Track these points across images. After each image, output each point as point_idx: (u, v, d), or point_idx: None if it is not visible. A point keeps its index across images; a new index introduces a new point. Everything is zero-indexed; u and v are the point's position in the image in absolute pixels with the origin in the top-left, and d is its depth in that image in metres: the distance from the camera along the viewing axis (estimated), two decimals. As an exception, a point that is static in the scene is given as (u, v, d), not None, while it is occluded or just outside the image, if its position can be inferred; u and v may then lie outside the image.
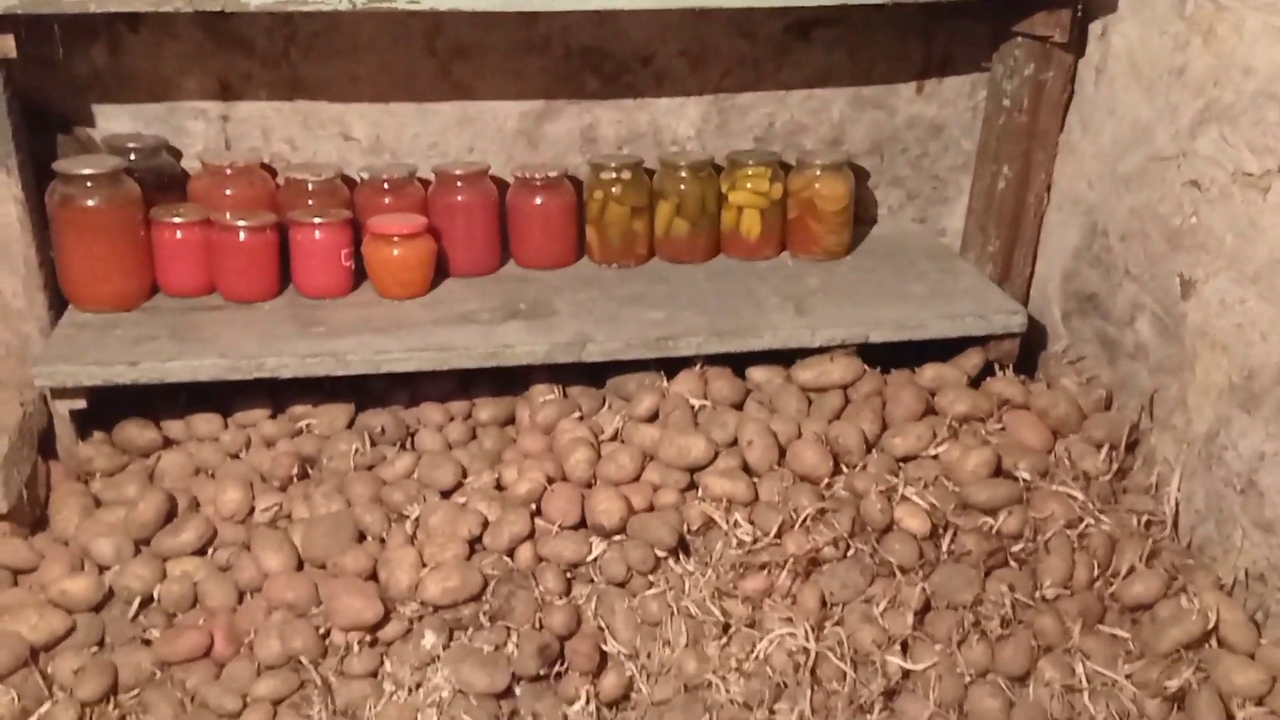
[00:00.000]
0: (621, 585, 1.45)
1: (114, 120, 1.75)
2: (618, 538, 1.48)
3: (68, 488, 1.54)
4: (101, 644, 1.38)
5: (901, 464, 1.58)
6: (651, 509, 1.52)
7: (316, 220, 1.70)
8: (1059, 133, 1.86)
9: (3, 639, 1.32)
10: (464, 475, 1.59)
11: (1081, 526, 1.50)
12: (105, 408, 1.60)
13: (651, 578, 1.45)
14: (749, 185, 1.89)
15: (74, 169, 1.58)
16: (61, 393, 1.55)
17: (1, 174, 1.51)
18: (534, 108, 1.89)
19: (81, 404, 1.56)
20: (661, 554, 1.46)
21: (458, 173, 1.80)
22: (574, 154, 1.94)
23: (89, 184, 1.58)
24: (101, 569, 1.44)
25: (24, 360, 1.60)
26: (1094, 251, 1.79)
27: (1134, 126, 1.68)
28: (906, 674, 1.39)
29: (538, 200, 1.85)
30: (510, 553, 1.47)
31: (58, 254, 1.63)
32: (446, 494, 1.56)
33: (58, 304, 1.67)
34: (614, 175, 1.86)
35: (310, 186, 1.75)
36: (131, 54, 1.72)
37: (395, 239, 1.72)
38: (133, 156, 1.69)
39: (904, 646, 1.40)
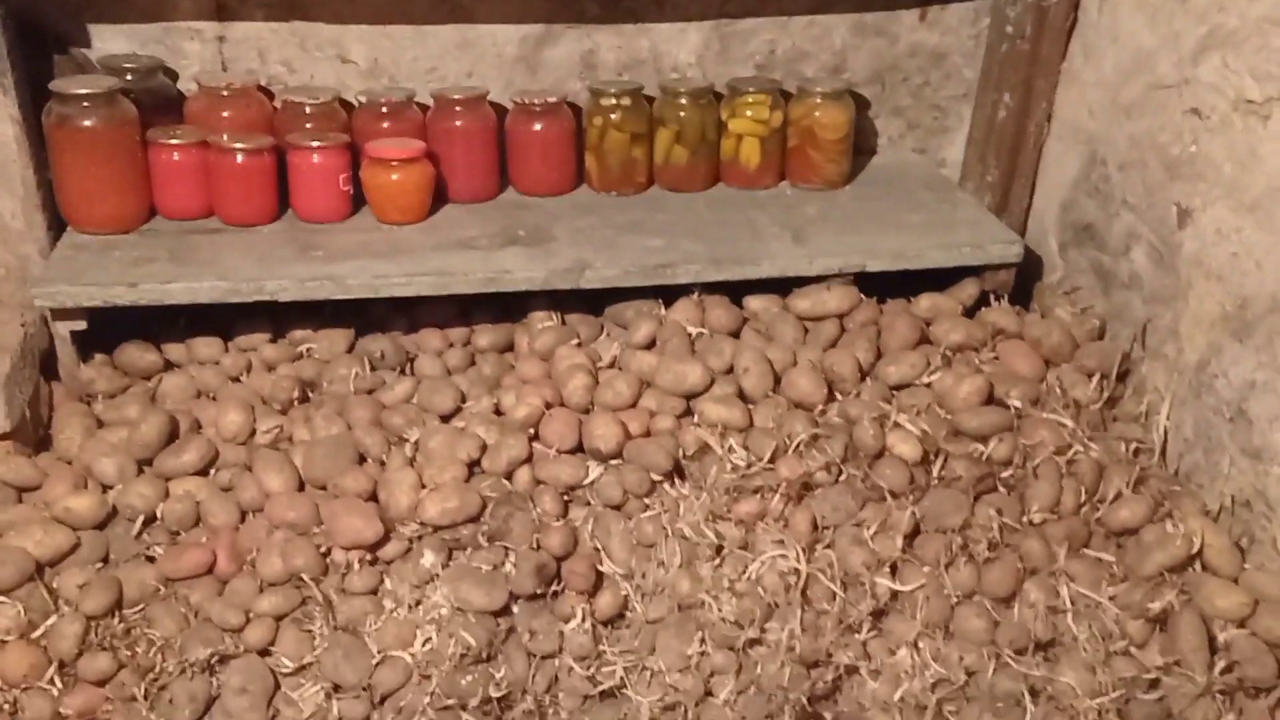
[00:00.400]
0: (617, 508, 1.48)
1: (110, 41, 1.73)
2: (614, 462, 1.50)
3: (70, 408, 1.56)
4: (106, 560, 1.41)
5: (895, 392, 1.60)
6: (648, 434, 1.54)
7: (314, 144, 1.70)
8: (1061, 60, 1.84)
9: (8, 554, 1.34)
10: (463, 400, 1.60)
11: (1070, 453, 1.52)
12: (106, 330, 1.61)
13: (647, 501, 1.47)
14: (749, 113, 1.88)
15: (70, 89, 1.57)
16: (61, 313, 1.56)
17: (-3, 94, 1.50)
18: (534, 32, 1.88)
19: (82, 325, 1.57)
20: (657, 478, 1.48)
21: (456, 97, 1.79)
22: (573, 80, 1.92)
23: (85, 104, 1.57)
24: (105, 488, 1.46)
25: (24, 281, 1.61)
26: (1092, 181, 1.78)
27: (1136, 54, 1.66)
28: (895, 595, 1.42)
29: (537, 126, 1.84)
30: (508, 475, 1.49)
31: (55, 175, 1.62)
32: (446, 418, 1.58)
33: (56, 226, 1.67)
34: (614, 102, 1.85)
35: (308, 110, 1.74)
36: (126, -27, 1.70)
37: (394, 164, 1.71)
38: (129, 77, 1.68)
39: (893, 568, 1.43)
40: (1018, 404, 1.56)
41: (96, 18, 1.72)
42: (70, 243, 1.65)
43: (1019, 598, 1.42)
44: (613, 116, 1.85)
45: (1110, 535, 1.49)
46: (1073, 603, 1.41)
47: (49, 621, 1.33)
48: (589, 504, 1.49)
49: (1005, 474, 1.50)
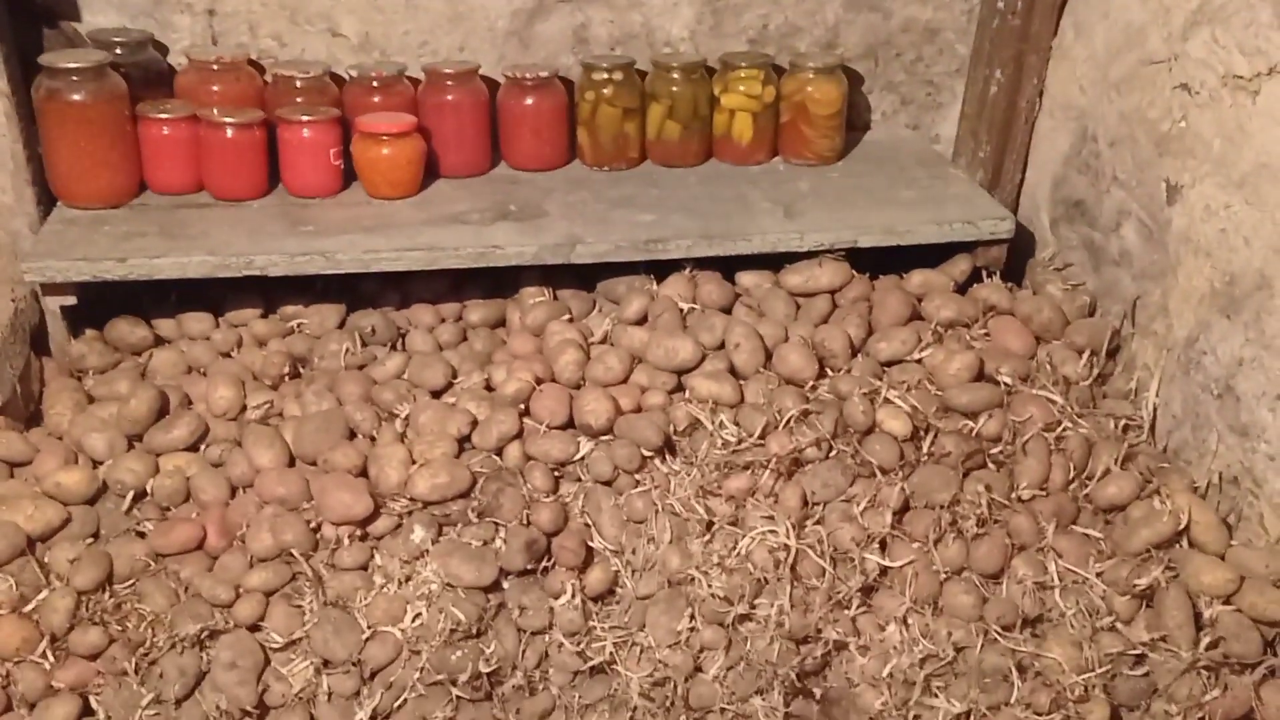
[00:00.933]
0: (608, 484, 1.48)
1: (99, 14, 1.72)
2: (605, 437, 1.50)
3: (60, 383, 1.56)
4: (96, 535, 1.41)
5: (886, 368, 1.60)
6: (639, 410, 1.54)
7: (305, 118, 1.69)
8: (1052, 36, 1.83)
9: (2, 529, 1.34)
10: (454, 376, 1.60)
11: (1060, 430, 1.53)
12: (97, 306, 1.61)
13: (637, 476, 1.48)
14: (741, 88, 1.87)
15: (59, 63, 1.56)
16: (51, 288, 1.55)
17: (-17, 67, 1.49)
18: (525, 6, 1.86)
19: (72, 300, 1.57)
20: (648, 453, 1.48)
21: (448, 72, 1.78)
22: (565, 54, 1.91)
23: (75, 78, 1.57)
24: (95, 463, 1.46)
25: (13, 256, 1.60)
26: (1083, 157, 1.78)
27: (1126, 29, 1.66)
28: (884, 571, 1.43)
29: (528, 101, 1.83)
30: (499, 451, 1.49)
31: (45, 149, 1.62)
32: (436, 394, 1.58)
33: (46, 200, 1.66)
34: (606, 76, 1.84)
35: (298, 84, 1.73)
36: (113, -54, 1.69)
37: (384, 138, 1.71)
38: (119, 51, 1.67)
39: (882, 545, 1.44)
40: (1008, 380, 1.56)
41: (85, -10, 1.71)
42: (60, 217, 1.64)
43: (1007, 574, 1.43)
44: (605, 91, 1.84)
45: (1098, 511, 1.49)
46: (1060, 579, 1.42)
47: (40, 596, 1.33)
48: (579, 480, 1.49)
49: (995, 450, 1.51)
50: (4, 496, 1.39)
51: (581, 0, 1.88)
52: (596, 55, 1.89)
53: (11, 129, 1.55)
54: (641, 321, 1.67)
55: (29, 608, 1.32)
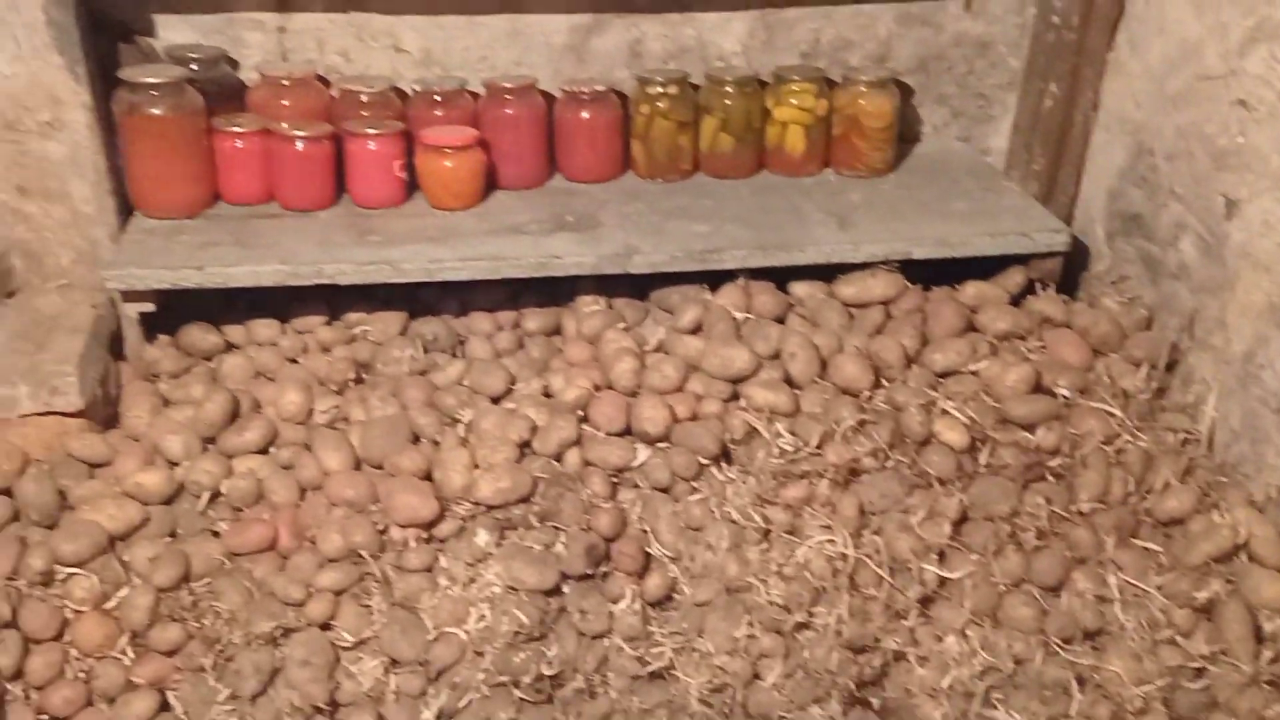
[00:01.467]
0: (665, 490, 1.50)
1: (175, 31, 1.78)
2: (662, 445, 1.52)
3: (137, 387, 1.61)
4: (173, 535, 1.46)
5: (941, 379, 1.61)
6: (694, 418, 1.56)
7: (370, 131, 1.73)
8: (1107, 50, 1.84)
9: (84, 527, 1.39)
10: (513, 382, 1.63)
11: (1118, 443, 1.53)
12: (169, 312, 1.66)
13: (695, 484, 1.50)
14: (794, 101, 1.90)
15: (140, 77, 1.61)
16: (131, 295, 1.61)
17: (71, 81, 1.54)
18: (582, 22, 1.90)
19: (150, 307, 1.62)
20: (704, 461, 1.50)
21: (507, 86, 1.82)
22: (621, 68, 1.94)
23: (154, 92, 1.62)
24: (172, 464, 1.50)
25: (94, 264, 1.65)
26: (1139, 171, 1.79)
27: (1183, 45, 1.66)
28: (943, 582, 1.44)
29: (584, 114, 1.87)
30: (558, 457, 1.52)
31: (125, 161, 1.67)
32: (496, 400, 1.61)
33: (125, 210, 1.71)
34: (660, 90, 1.87)
35: (364, 98, 1.77)
36: (194, -34, 1.74)
37: (447, 151, 1.75)
38: (194, 67, 1.72)
39: (940, 555, 1.45)
40: (1066, 393, 1.57)
41: (162, 8, 1.76)
42: (139, 227, 1.70)
43: (1067, 586, 1.44)
44: (659, 104, 1.87)
45: (1158, 525, 1.50)
46: (1120, 592, 1.43)
47: (121, 593, 1.37)
48: (637, 486, 1.51)
49: (1053, 463, 1.52)
50: (86, 497, 1.44)
51: (636, 16, 1.91)
52: (651, 69, 1.92)
53: (93, 141, 1.60)
54: (696, 331, 1.69)
55: (110, 605, 1.37)
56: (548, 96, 1.89)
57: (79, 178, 1.61)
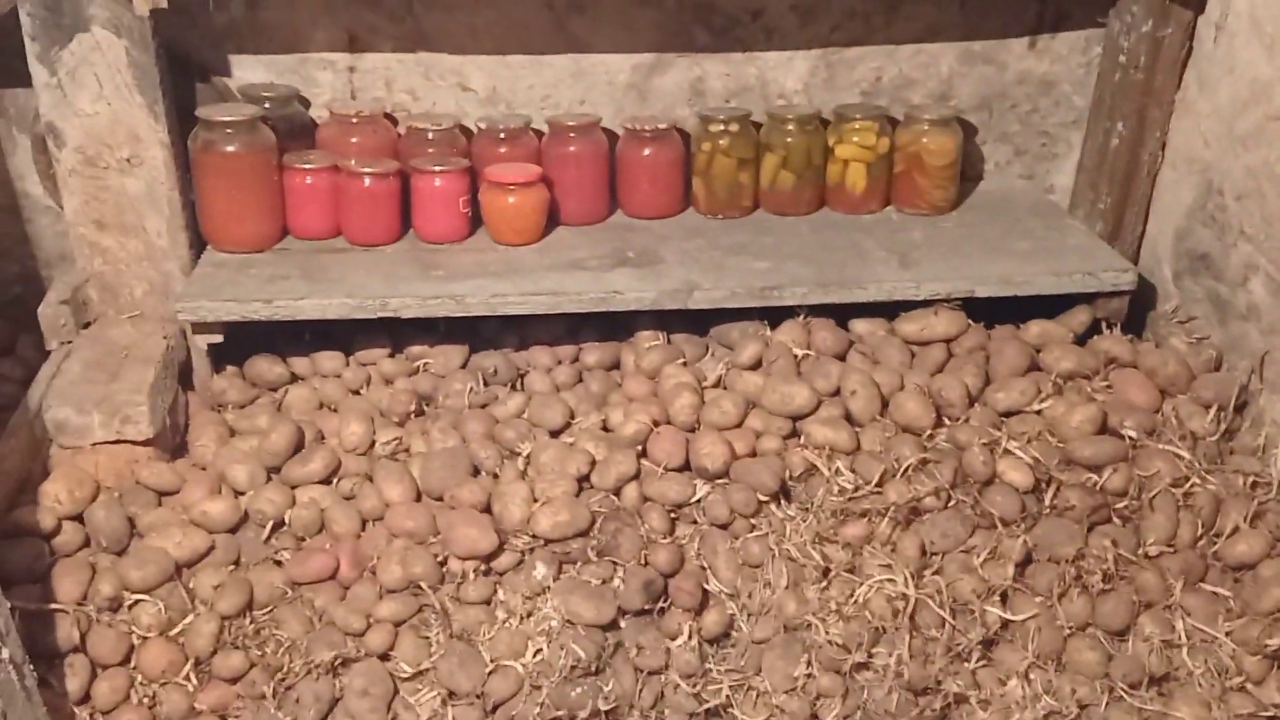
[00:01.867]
0: (724, 527, 1.50)
1: (248, 70, 1.83)
2: (721, 481, 1.52)
3: (205, 417, 1.64)
4: (237, 563, 1.48)
5: (1004, 419, 1.59)
6: (754, 454, 1.56)
7: (436, 168, 1.76)
8: (1175, 90, 1.82)
9: (152, 554, 1.42)
10: (572, 416, 1.64)
11: (1187, 485, 1.50)
12: (236, 343, 1.69)
13: (753, 521, 1.49)
14: (855, 139, 1.90)
15: (216, 116, 1.66)
16: (201, 327, 1.65)
17: (150, 120, 1.59)
18: (645, 61, 1.93)
19: (219, 338, 1.65)
20: (763, 498, 1.50)
21: (570, 124, 1.84)
22: (682, 106, 1.96)
23: (229, 130, 1.66)
24: (237, 493, 1.53)
25: (166, 296, 1.69)
26: (1208, 211, 1.76)
27: (1253, 85, 1.64)
28: (1005, 624, 1.41)
29: (646, 151, 1.89)
30: (617, 491, 1.52)
31: (198, 197, 1.72)
32: (555, 433, 1.62)
33: (197, 244, 1.76)
34: (722, 128, 1.88)
35: (430, 135, 1.81)
36: (267, 6, 1.79)
37: (511, 187, 1.77)
38: (267, 105, 1.77)
39: (1004, 597, 1.42)
40: (1133, 434, 1.54)
41: (237, 48, 1.82)
42: (209, 260, 1.74)
43: (1133, 631, 1.41)
44: (721, 142, 1.89)
45: (1227, 569, 1.46)
46: (1188, 637, 1.39)
47: (186, 620, 1.39)
48: (695, 522, 1.51)
49: (1120, 505, 1.49)
50: (154, 524, 1.47)
51: (698, 55, 1.93)
52: (713, 107, 1.94)
53: (169, 177, 1.65)
54: (756, 367, 1.69)
55: (175, 631, 1.39)
56: (610, 134, 1.92)
57: (155, 213, 1.65)
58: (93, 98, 1.57)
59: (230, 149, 1.67)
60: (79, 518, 1.46)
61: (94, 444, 1.52)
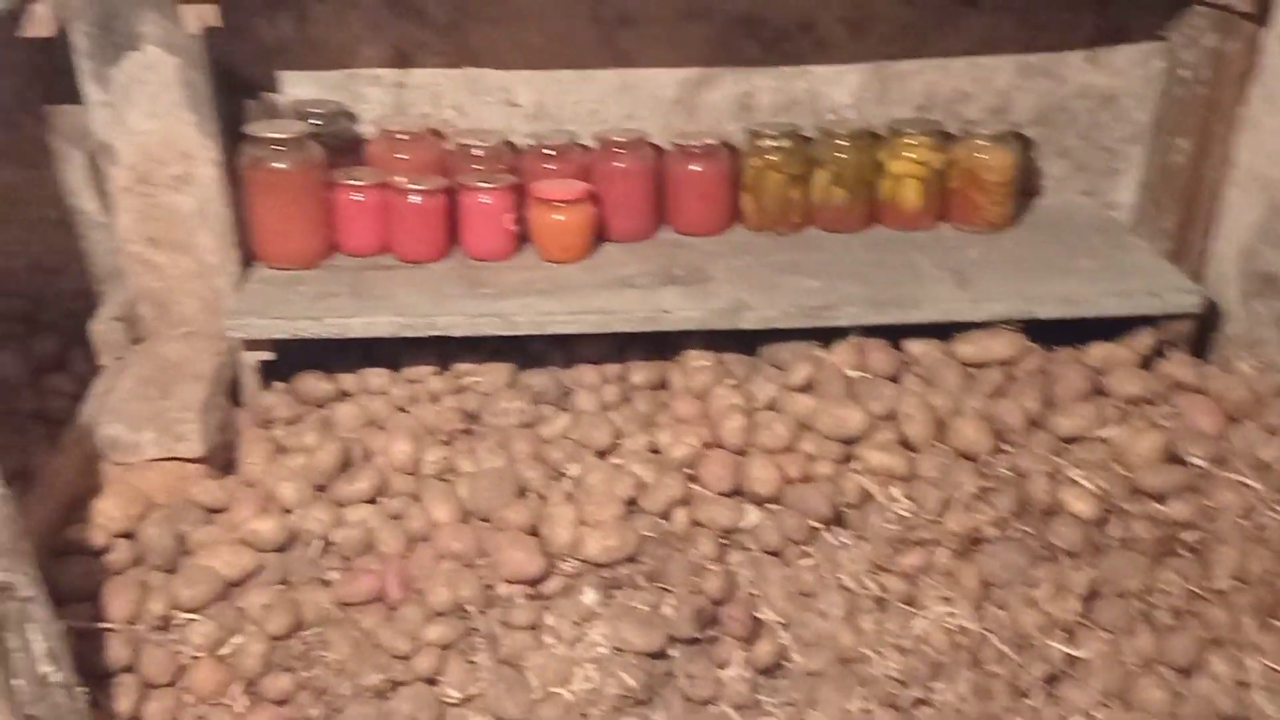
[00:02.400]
0: (776, 554, 1.47)
1: (297, 86, 1.83)
2: (772, 506, 1.49)
3: (254, 434, 1.64)
4: (285, 582, 1.47)
5: (1067, 445, 1.55)
6: (806, 479, 1.53)
7: (484, 185, 1.75)
8: (1240, 105, 1.77)
9: (202, 573, 1.41)
10: (619, 437, 1.62)
11: (1257, 516, 1.45)
12: (284, 358, 1.68)
13: (806, 548, 1.46)
14: (909, 155, 1.87)
15: (264, 132, 1.66)
16: (251, 344, 1.64)
17: (201, 137, 1.59)
18: (692, 75, 1.90)
19: (270, 355, 1.65)
20: (816, 525, 1.47)
21: (617, 139, 1.82)
22: (731, 121, 1.94)
23: (278, 147, 1.66)
24: (285, 511, 1.52)
25: (217, 313, 1.69)
26: (1276, 230, 1.70)
27: (1329, 100, 1.59)
28: (1070, 660, 1.37)
29: (694, 167, 1.86)
30: (666, 515, 1.49)
31: (248, 213, 1.71)
32: (602, 454, 1.60)
33: (246, 260, 1.75)
34: (771, 143, 1.85)
35: (477, 152, 1.80)
36: (316, 23, 1.79)
37: (558, 204, 1.75)
38: (316, 121, 1.77)
39: (1068, 632, 1.38)
40: (1200, 462, 1.49)
41: (286, 65, 1.82)
42: (259, 276, 1.74)
43: (1202, 669, 1.36)
44: (770, 157, 1.86)
45: (1301, 605, 1.41)
46: (1261, 676, 1.34)
47: (235, 640, 1.39)
48: (746, 549, 1.48)
49: (1187, 536, 1.44)
50: (204, 542, 1.46)
51: (747, 69, 1.91)
52: (762, 122, 1.91)
53: (220, 194, 1.65)
54: (807, 389, 1.65)
55: (224, 651, 1.38)
56: (658, 150, 1.89)
57: (205, 229, 1.65)
58: (145, 115, 1.57)
59: (280, 165, 1.67)
60: (129, 535, 1.46)
61: (146, 461, 1.52)
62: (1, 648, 1.08)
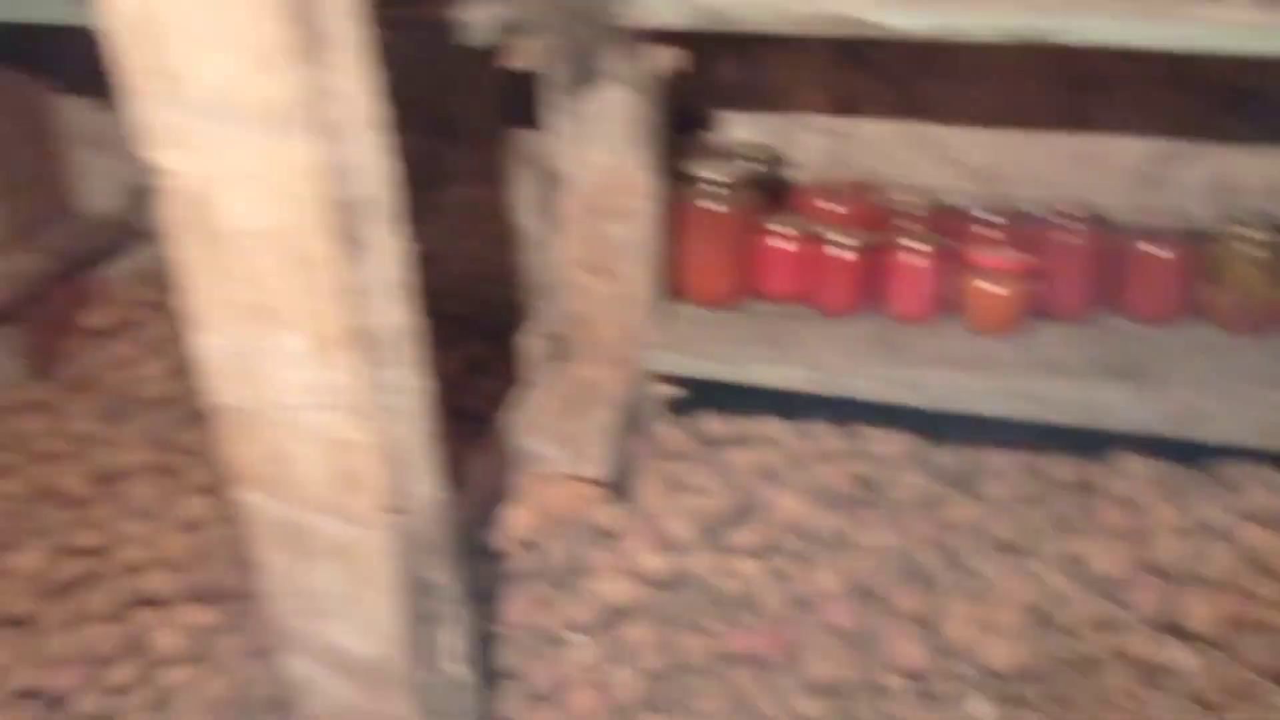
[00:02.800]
0: (1206, 705, 1.26)
1: (734, 126, 1.85)
2: (1206, 647, 1.29)
3: (651, 467, 1.66)
4: (666, 621, 1.46)
5: None
6: (1255, 624, 1.31)
7: (915, 245, 1.67)
8: None
9: (592, 596, 1.44)
10: (1032, 536, 1.48)
11: None
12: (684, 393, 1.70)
13: (1243, 704, 1.25)
14: None
15: (705, 173, 1.68)
16: (664, 379, 1.67)
17: (647, 173, 1.63)
18: (1160, 148, 1.71)
19: (682, 391, 1.67)
20: (1256, 679, 1.24)
21: (1067, 210, 1.67)
22: (1202, 202, 1.72)
23: (717, 188, 1.68)
24: (673, 550, 1.52)
25: (634, 343, 1.73)
26: None
27: None
28: None
29: (1153, 249, 1.67)
30: (1075, 634, 1.34)
31: (675, 249, 1.74)
32: (1008, 551, 1.47)
33: (665, 294, 1.79)
34: (1250, 231, 1.62)
35: (911, 210, 1.72)
36: (759, 66, 1.80)
37: (994, 273, 1.64)
38: (752, 165, 1.77)
39: None
40: None
41: (725, 105, 1.84)
42: (678, 313, 1.76)
43: None
44: (1247, 248, 1.62)
45: None
46: None
47: (615, 669, 1.40)
48: (1168, 689, 1.29)
49: None
50: (596, 566, 1.49)
51: (1227, 146, 1.68)
52: (1241, 207, 1.68)
53: (654, 229, 1.69)
54: (1262, 519, 1.42)
55: (599, 678, 1.40)
56: (1111, 225, 1.72)
57: (636, 262, 1.69)
58: (602, 150, 1.63)
59: (715, 206, 1.68)
60: (528, 544, 1.52)
61: (554, 475, 1.58)
62: (425, 647, 1.14)
